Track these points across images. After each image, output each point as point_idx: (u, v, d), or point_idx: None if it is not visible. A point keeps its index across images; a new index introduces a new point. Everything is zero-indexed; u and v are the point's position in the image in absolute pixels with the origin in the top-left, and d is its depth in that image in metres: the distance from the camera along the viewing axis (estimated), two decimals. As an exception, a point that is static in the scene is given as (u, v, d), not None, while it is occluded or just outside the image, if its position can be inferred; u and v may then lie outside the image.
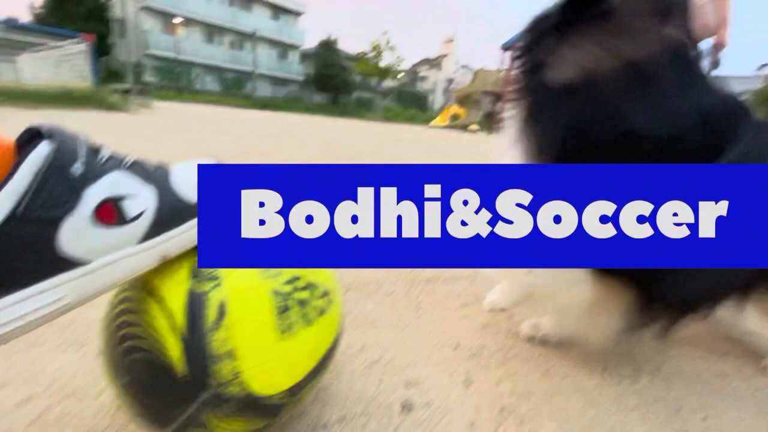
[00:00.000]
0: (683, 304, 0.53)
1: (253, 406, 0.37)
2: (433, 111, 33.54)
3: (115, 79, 13.09)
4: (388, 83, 35.98)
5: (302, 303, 0.40)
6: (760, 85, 16.30)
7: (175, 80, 23.05)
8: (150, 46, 22.93)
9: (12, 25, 10.80)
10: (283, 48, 31.04)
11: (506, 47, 11.33)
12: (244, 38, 27.61)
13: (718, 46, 1.15)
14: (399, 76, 33.86)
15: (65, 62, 6.47)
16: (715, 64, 1.13)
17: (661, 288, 0.46)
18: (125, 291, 0.40)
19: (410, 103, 37.28)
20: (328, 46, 30.97)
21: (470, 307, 0.87)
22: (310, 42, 33.09)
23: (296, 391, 0.40)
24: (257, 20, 27.89)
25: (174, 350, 0.35)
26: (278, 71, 30.49)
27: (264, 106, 23.99)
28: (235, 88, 26.62)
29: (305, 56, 33.20)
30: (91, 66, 6.04)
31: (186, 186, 0.40)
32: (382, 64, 29.50)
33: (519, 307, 0.72)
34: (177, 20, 23.43)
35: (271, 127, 7.54)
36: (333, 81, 30.37)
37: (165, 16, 23.63)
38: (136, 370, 0.37)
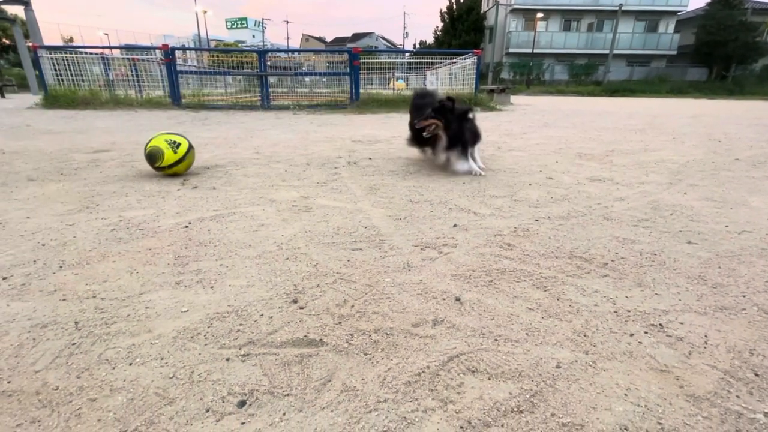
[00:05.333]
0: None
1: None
2: None
3: (481, 81, 15.54)
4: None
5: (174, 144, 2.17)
6: None
7: (527, 74, 24.53)
8: (511, 45, 25.41)
9: (420, 51, 14.73)
10: (654, 18, 26.07)
11: None
12: (606, 17, 25.32)
13: None
14: None
15: (458, 73, 8.44)
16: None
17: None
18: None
19: None
20: (726, 2, 23.26)
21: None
22: (696, 3, 25.89)
23: (176, 164, 2.19)
24: (625, -7, 24.68)
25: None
26: (641, 48, 26.09)
27: (614, 92, 21.45)
28: (584, 74, 25.20)
29: (682, 23, 26.49)
30: (475, 75, 7.55)
31: None
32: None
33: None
34: (539, 15, 24.48)
35: (633, 118, 6.74)
36: (726, 48, 22.73)
37: (527, 14, 25.27)
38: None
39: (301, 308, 0.93)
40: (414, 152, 2.98)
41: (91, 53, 8.55)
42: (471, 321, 0.88)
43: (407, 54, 16.56)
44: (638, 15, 25.79)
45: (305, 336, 0.82)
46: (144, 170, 2.33)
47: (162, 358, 0.74)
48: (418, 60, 13.66)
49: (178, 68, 8.10)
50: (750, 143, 3.78)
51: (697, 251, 1.27)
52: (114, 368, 0.72)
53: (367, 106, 7.12)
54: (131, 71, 8.31)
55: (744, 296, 1.00)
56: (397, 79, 15.16)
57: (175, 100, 6.92)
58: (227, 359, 0.75)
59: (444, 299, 0.98)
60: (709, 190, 2.04)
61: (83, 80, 7.59)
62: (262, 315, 0.90)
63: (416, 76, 14.38)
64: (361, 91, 7.55)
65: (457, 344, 0.80)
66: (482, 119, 6.16)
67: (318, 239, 1.35)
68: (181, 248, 1.25)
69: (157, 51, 7.63)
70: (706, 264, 1.18)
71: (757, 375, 0.72)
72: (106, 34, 34.13)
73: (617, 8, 23.51)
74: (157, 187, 1.98)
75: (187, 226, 1.44)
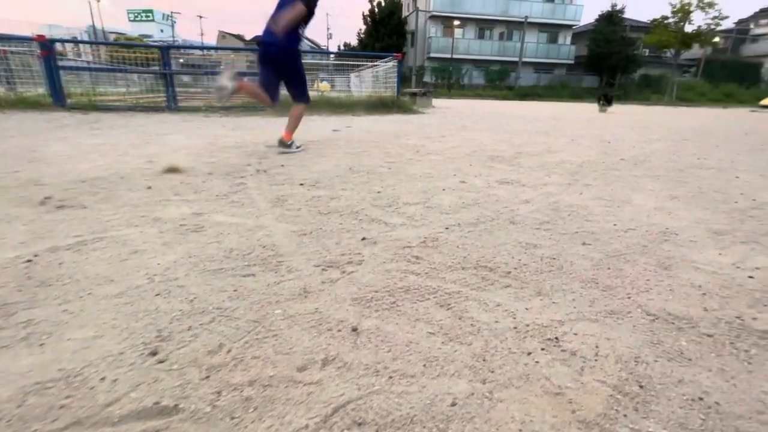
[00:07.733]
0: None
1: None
2: (771, 85, 23.68)
3: (404, 84, 15.82)
4: (695, 52, 27.70)
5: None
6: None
7: (448, 78, 25.75)
8: (432, 50, 26.47)
9: (343, 52, 14.65)
10: (554, 30, 28.99)
11: None
12: (514, 27, 27.55)
13: None
14: (714, 40, 25.44)
15: (381, 76, 8.51)
16: None
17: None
18: None
19: (726, 76, 27.55)
20: (610, 19, 26.70)
21: None
22: (588, 18, 29.40)
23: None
24: (530, 6, 27.13)
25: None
26: (545, 57, 28.86)
27: (525, 96, 23.47)
28: (498, 79, 27.18)
29: (578, 36, 29.90)
30: (397, 78, 7.65)
31: None
32: (689, 28, 22.98)
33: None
34: (455, 23, 25.83)
35: (539, 121, 7.34)
36: (611, 59, 26.09)
37: (445, 21, 26.53)
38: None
39: (161, 362, 0.75)
40: (332, 158, 2.86)
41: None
42: (365, 356, 0.79)
43: (332, 56, 16.34)
44: (541, 27, 28.49)
45: (156, 403, 0.65)
46: (-8, 187, 1.89)
47: (-74, 469, 0.53)
48: (343, 62, 13.54)
49: (65, 63, 7.01)
50: (633, 144, 4.28)
51: (591, 252, 1.33)
52: None
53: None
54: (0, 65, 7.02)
55: (629, 297, 1.04)
56: (321, 81, 14.85)
57: (57, 99, 5.96)
58: (34, 454, 0.56)
59: (339, 330, 0.87)
60: (600, 189, 2.22)
61: (-69, 75, 6.25)
62: (103, 378, 0.71)
63: (341, 77, 14.23)
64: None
65: (345, 389, 0.70)
66: (404, 122, 6.24)
67: (203, 266, 1.16)
68: (12, 291, 0.98)
69: (33, 42, 6.52)
70: (598, 265, 1.23)
71: (641, 387, 0.72)
72: (-29, 20, 28.60)
73: (523, 20, 25.74)
74: (4, 208, 1.60)
75: (30, 260, 1.15)
